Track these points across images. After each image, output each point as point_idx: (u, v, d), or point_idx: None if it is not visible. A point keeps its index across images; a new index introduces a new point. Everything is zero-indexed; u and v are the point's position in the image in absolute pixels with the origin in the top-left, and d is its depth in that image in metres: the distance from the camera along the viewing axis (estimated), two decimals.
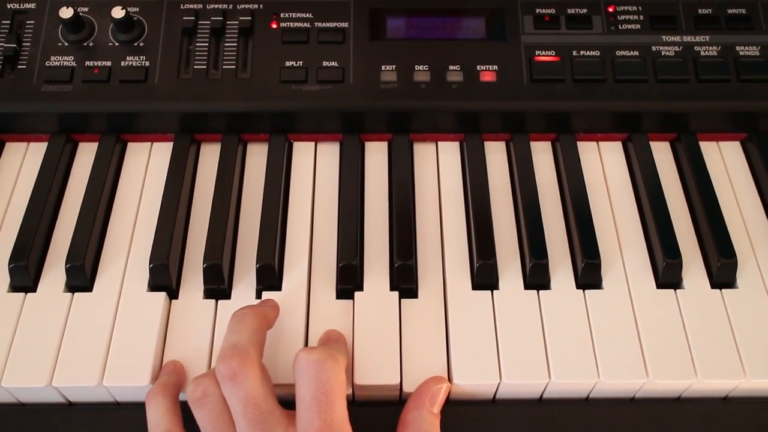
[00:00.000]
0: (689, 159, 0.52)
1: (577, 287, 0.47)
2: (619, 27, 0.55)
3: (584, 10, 0.55)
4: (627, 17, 0.55)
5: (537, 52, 0.54)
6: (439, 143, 0.55)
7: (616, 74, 0.53)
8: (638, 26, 0.55)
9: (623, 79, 0.53)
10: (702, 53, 0.54)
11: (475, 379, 0.43)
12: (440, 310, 0.46)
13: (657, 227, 0.49)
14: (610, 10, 0.55)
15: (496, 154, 0.54)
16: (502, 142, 0.55)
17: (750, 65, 0.53)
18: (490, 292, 0.47)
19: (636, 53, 0.54)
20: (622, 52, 0.54)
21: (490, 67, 0.53)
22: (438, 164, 0.54)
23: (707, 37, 0.54)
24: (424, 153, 0.54)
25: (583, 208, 0.49)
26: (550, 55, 0.54)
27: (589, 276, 0.47)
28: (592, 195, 0.51)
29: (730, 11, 0.55)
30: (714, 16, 0.55)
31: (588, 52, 0.54)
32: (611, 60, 0.53)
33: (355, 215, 0.49)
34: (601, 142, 0.55)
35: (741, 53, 0.54)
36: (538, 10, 0.55)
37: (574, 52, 0.54)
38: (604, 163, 0.54)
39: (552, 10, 0.55)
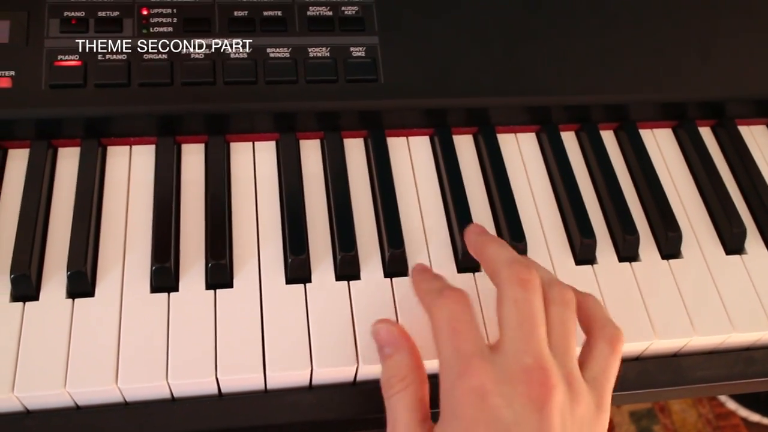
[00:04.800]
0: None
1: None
2: (151, 30, 0.54)
3: (116, 13, 0.54)
4: (160, 20, 0.55)
5: (59, 57, 0.52)
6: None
7: (141, 78, 0.53)
8: (170, 29, 0.55)
9: (147, 83, 0.53)
10: (232, 55, 0.55)
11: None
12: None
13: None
14: (144, 12, 0.55)
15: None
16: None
17: (278, 66, 0.55)
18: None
19: (164, 57, 0.54)
20: (151, 56, 0.54)
21: (7, 72, 0.51)
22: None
23: (239, 40, 0.55)
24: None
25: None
26: (73, 60, 0.52)
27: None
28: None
29: (265, 14, 0.56)
30: (249, 18, 0.56)
31: (114, 57, 0.53)
32: (138, 64, 0.53)
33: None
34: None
35: (271, 54, 0.55)
36: (66, 13, 0.54)
37: (99, 56, 0.53)
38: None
39: (81, 13, 0.54)
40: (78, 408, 0.46)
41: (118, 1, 0.55)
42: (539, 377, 0.37)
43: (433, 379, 0.42)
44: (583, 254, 0.54)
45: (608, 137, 0.62)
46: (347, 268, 0.50)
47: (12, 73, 0.52)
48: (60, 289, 0.48)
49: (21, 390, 0.44)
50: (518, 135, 0.61)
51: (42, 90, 0.52)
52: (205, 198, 0.53)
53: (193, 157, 0.55)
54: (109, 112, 0.53)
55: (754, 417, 1.27)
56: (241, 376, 0.46)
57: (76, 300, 0.47)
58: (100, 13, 0.54)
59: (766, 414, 1.27)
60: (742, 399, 1.28)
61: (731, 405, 1.28)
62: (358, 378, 0.48)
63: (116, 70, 0.53)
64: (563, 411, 0.38)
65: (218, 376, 0.46)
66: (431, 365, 0.44)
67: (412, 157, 0.58)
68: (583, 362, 0.42)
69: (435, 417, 0.42)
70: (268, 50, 0.55)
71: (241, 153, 0.56)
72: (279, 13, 0.57)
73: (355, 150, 0.58)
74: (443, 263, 0.52)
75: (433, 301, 0.42)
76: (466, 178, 0.56)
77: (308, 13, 0.57)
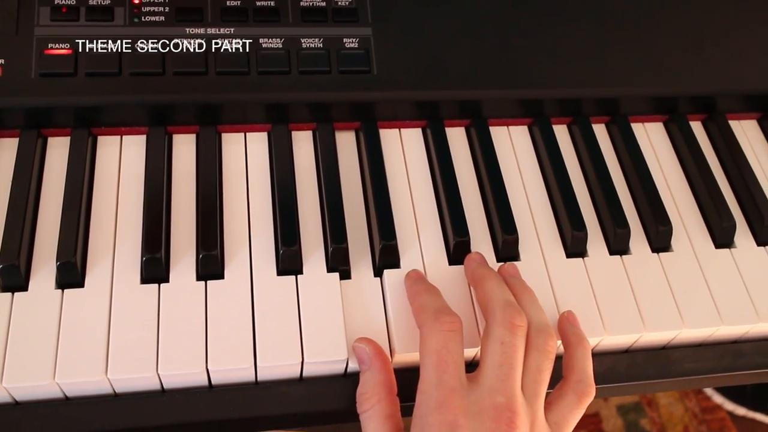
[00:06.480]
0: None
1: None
2: (143, 19, 0.54)
3: (107, 2, 0.54)
4: (151, 9, 0.54)
5: (50, 45, 0.52)
6: None
7: (133, 67, 0.52)
8: (162, 18, 0.54)
9: (139, 72, 0.52)
10: (224, 45, 0.54)
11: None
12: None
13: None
14: (135, 1, 0.55)
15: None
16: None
17: (271, 57, 0.55)
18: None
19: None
20: (142, 45, 0.53)
21: None
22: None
23: (231, 30, 0.55)
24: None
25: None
26: (63, 49, 0.52)
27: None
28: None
29: (258, 4, 0.56)
30: (241, 8, 0.56)
31: (105, 46, 0.53)
32: (129, 53, 0.53)
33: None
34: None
35: (264, 45, 0.55)
36: (56, 1, 0.53)
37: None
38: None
39: (72, 1, 0.54)
40: (67, 399, 0.46)
41: None
42: (507, 416, 0.41)
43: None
44: (574, 247, 0.54)
45: (600, 131, 0.62)
46: (339, 260, 0.50)
47: (1, 61, 0.51)
48: (49, 279, 0.47)
49: (10, 381, 0.43)
50: (510, 128, 0.61)
51: (32, 79, 0.51)
52: (196, 189, 0.53)
53: (184, 148, 0.55)
54: (99, 102, 0.52)
55: (740, 410, 1.28)
56: (232, 368, 0.46)
57: (65, 291, 0.47)
58: (91, 2, 0.54)
59: (752, 407, 1.28)
60: (729, 392, 1.29)
61: (717, 399, 1.29)
62: (349, 370, 0.48)
63: (107, 59, 0.52)
64: None
65: (209, 368, 0.46)
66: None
67: (404, 149, 0.58)
68: (550, 402, 0.45)
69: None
70: (261, 41, 0.55)
71: (232, 144, 0.56)
72: (272, 3, 0.56)
73: (347, 141, 0.58)
74: (435, 256, 0.53)
75: (426, 322, 0.44)
76: (458, 170, 0.56)
77: (301, 3, 0.57)
